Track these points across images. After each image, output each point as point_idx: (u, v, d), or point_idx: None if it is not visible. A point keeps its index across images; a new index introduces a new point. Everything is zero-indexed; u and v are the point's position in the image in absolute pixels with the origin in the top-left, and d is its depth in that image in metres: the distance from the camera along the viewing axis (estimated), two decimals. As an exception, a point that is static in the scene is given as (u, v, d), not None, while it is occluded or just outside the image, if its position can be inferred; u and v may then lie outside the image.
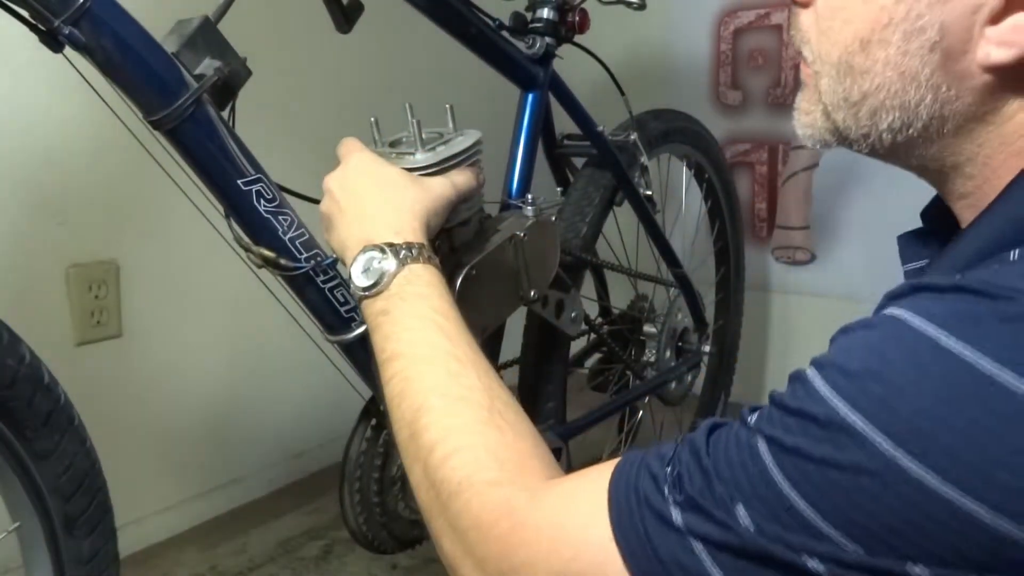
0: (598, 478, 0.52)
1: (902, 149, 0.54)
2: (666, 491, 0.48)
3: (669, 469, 0.49)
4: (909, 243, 0.65)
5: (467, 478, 0.57)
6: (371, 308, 0.69)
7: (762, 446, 0.45)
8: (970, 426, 0.39)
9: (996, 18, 0.47)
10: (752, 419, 0.48)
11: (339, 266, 0.90)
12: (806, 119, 0.58)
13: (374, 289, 0.69)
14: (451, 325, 0.66)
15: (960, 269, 0.49)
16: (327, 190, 0.77)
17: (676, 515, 0.47)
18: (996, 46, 0.47)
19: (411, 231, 0.72)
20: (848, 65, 0.52)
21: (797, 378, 0.47)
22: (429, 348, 0.65)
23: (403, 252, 0.69)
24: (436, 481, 0.58)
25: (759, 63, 2.04)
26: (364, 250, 0.70)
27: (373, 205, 0.74)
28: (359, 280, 0.70)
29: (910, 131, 0.52)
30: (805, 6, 0.56)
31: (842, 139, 0.56)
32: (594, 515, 0.50)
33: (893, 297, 0.46)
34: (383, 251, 0.69)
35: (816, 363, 0.46)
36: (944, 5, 0.48)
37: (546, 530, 0.52)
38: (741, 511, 0.45)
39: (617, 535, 0.49)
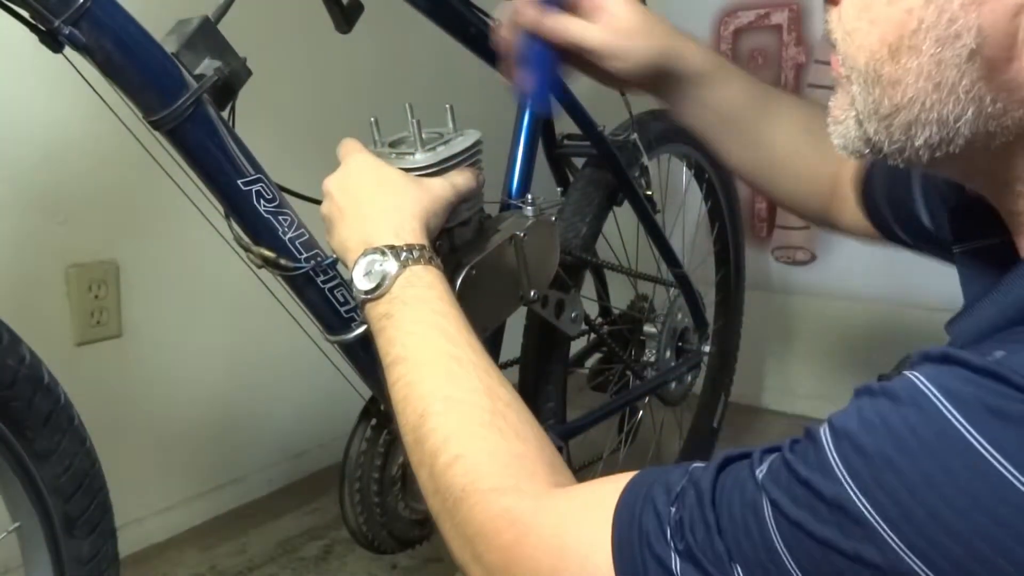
0: (605, 499, 0.51)
1: (943, 164, 0.50)
2: (668, 534, 0.47)
3: (673, 510, 0.48)
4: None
5: (470, 485, 0.56)
6: (374, 311, 0.69)
7: (767, 508, 0.44)
8: (984, 541, 0.38)
9: None
10: (761, 471, 0.46)
11: (339, 266, 0.90)
12: (839, 128, 0.53)
13: (376, 292, 0.68)
14: (453, 326, 0.66)
15: (1011, 319, 0.46)
16: (327, 192, 0.77)
17: (676, 563, 0.46)
18: None
19: (412, 232, 0.71)
20: (876, 74, 0.47)
21: (811, 438, 0.45)
22: (431, 352, 0.64)
23: (404, 254, 0.69)
24: (440, 488, 0.58)
25: (759, 63, 2.04)
26: (365, 253, 0.70)
27: (374, 207, 0.73)
28: (361, 283, 0.69)
29: (950, 147, 0.47)
30: (830, 1, 0.51)
31: (876, 151, 0.51)
32: (597, 541, 0.50)
33: (927, 358, 0.43)
34: (384, 253, 0.69)
35: (832, 426, 0.44)
36: (980, 7, 0.43)
37: (549, 545, 0.52)
38: (739, 572, 0.44)
39: (617, 567, 0.49)
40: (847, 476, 0.41)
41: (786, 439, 0.47)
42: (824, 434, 0.44)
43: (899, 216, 0.79)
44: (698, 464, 0.51)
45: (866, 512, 0.40)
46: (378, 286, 0.68)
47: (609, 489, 0.52)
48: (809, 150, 0.87)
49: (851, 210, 0.87)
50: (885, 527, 0.39)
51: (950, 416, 0.40)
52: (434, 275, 0.70)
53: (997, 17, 0.43)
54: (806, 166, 0.88)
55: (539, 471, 0.57)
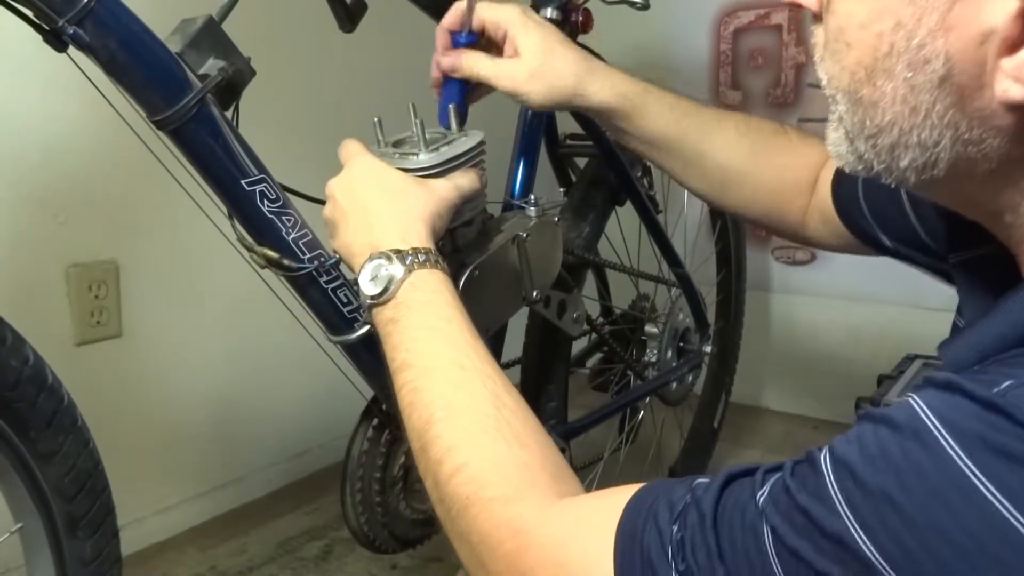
0: (607, 513, 0.51)
1: (930, 188, 0.49)
2: (670, 554, 0.47)
3: (675, 529, 0.47)
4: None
5: (473, 494, 0.56)
6: (380, 316, 0.69)
7: (767, 534, 0.44)
8: None
9: (1012, 47, 0.41)
10: (762, 495, 0.45)
11: (342, 267, 0.90)
12: (834, 136, 0.52)
13: (382, 297, 0.68)
14: (458, 331, 0.66)
15: (1011, 341, 0.45)
16: (331, 195, 0.76)
17: None
18: (1014, 81, 0.41)
19: (417, 236, 0.71)
20: (857, 95, 0.47)
21: (811, 463, 0.44)
22: (435, 358, 0.64)
23: (409, 258, 0.69)
24: (445, 496, 0.58)
25: (759, 63, 2.04)
26: (371, 257, 0.69)
27: (378, 210, 0.73)
28: (367, 288, 0.69)
29: (934, 171, 0.46)
30: (815, 18, 0.51)
31: (868, 168, 0.50)
32: (599, 556, 0.50)
33: (931, 383, 0.42)
34: (389, 258, 0.68)
35: (833, 454, 0.43)
36: (947, 33, 0.42)
37: (551, 558, 0.51)
38: None
39: None
40: (847, 509, 0.41)
41: (788, 460, 0.47)
42: (824, 461, 0.43)
43: (885, 224, 0.78)
44: (702, 480, 0.50)
45: (865, 548, 0.39)
46: (384, 291, 0.68)
47: (612, 503, 0.52)
48: (754, 166, 0.88)
49: (822, 220, 0.86)
50: (885, 565, 0.39)
51: (951, 452, 0.39)
52: (439, 279, 0.69)
53: (964, 44, 0.42)
54: (755, 182, 0.89)
55: (543, 480, 0.57)
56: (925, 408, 0.41)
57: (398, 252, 0.69)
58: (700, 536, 0.46)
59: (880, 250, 0.82)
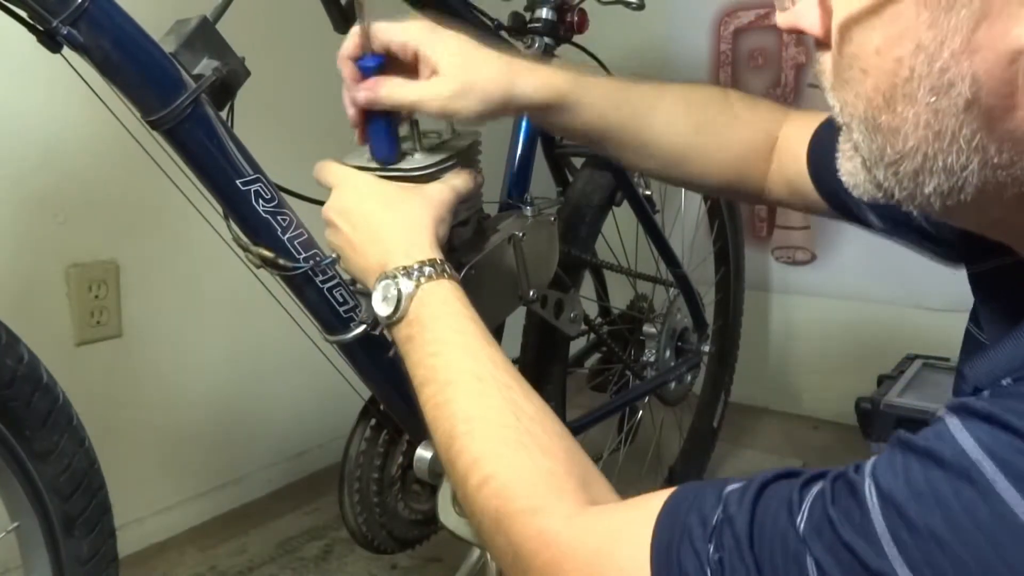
0: (639, 524, 0.50)
1: (956, 213, 0.47)
2: (708, 575, 0.46)
3: (712, 549, 0.46)
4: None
5: (502, 507, 0.56)
6: (397, 336, 0.69)
7: (811, 567, 0.43)
8: None
9: None
10: (801, 520, 0.44)
11: (338, 266, 0.90)
12: (849, 166, 0.50)
13: (394, 317, 0.68)
14: (473, 342, 0.66)
15: None
16: (329, 221, 0.75)
17: None
18: None
19: (422, 247, 0.70)
20: (875, 122, 0.45)
21: (853, 493, 0.43)
22: (453, 371, 0.64)
23: (416, 273, 0.68)
24: (476, 510, 0.58)
25: (759, 63, 2.04)
26: (381, 278, 0.69)
27: (380, 228, 0.72)
28: (380, 309, 0.69)
29: (961, 196, 0.44)
30: (820, 45, 0.48)
31: (888, 196, 0.48)
32: (635, 570, 0.49)
33: (967, 410, 0.41)
34: (396, 277, 0.68)
35: (878, 487, 0.42)
36: (973, 56, 0.40)
37: (586, 569, 0.51)
38: None
39: None
40: (895, 550, 0.40)
41: (824, 477, 0.45)
42: (869, 494, 0.42)
43: (876, 207, 0.74)
44: (733, 486, 0.49)
45: None
46: (395, 310, 0.67)
47: (642, 513, 0.51)
48: (700, 143, 0.85)
49: (788, 190, 0.84)
50: None
51: (1005, 495, 0.38)
52: (448, 289, 0.68)
53: (991, 65, 0.40)
54: (703, 159, 0.85)
55: (570, 487, 0.56)
56: (973, 443, 0.40)
57: (405, 269, 0.68)
58: (739, 559, 0.45)
59: (865, 227, 0.78)
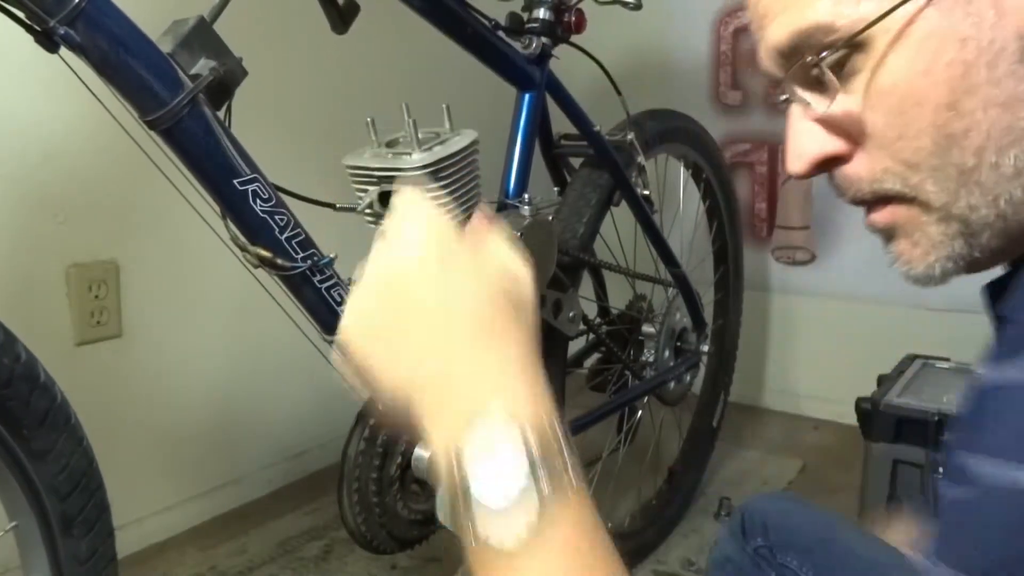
0: None
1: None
2: None
3: None
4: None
5: None
6: (479, 544, 0.42)
7: None
8: None
9: None
10: None
11: (336, 265, 0.90)
12: (934, 257, 0.47)
13: (504, 527, 0.41)
14: None
15: None
16: (367, 283, 0.49)
17: None
18: None
19: (530, 391, 0.45)
20: (948, 137, 0.44)
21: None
22: None
23: (539, 465, 0.42)
24: None
25: (759, 63, 2.04)
26: (461, 447, 0.43)
27: (456, 335, 0.46)
28: (450, 515, 0.43)
29: None
30: (849, 158, 0.48)
31: (970, 244, 0.46)
32: None
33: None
34: (506, 457, 0.42)
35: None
36: (1009, 17, 0.42)
37: None
38: None
39: None
40: None
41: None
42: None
43: None
44: None
45: None
46: (503, 515, 0.41)
47: None
48: None
49: None
50: None
51: None
52: (581, 503, 0.43)
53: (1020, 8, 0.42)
54: None
55: None
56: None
57: (513, 439, 0.42)
58: None
59: None
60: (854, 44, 0.44)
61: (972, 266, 0.48)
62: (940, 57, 0.43)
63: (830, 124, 0.47)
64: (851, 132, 0.47)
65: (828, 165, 0.48)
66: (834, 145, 0.47)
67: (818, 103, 0.47)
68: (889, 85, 0.44)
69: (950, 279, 0.48)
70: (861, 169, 0.47)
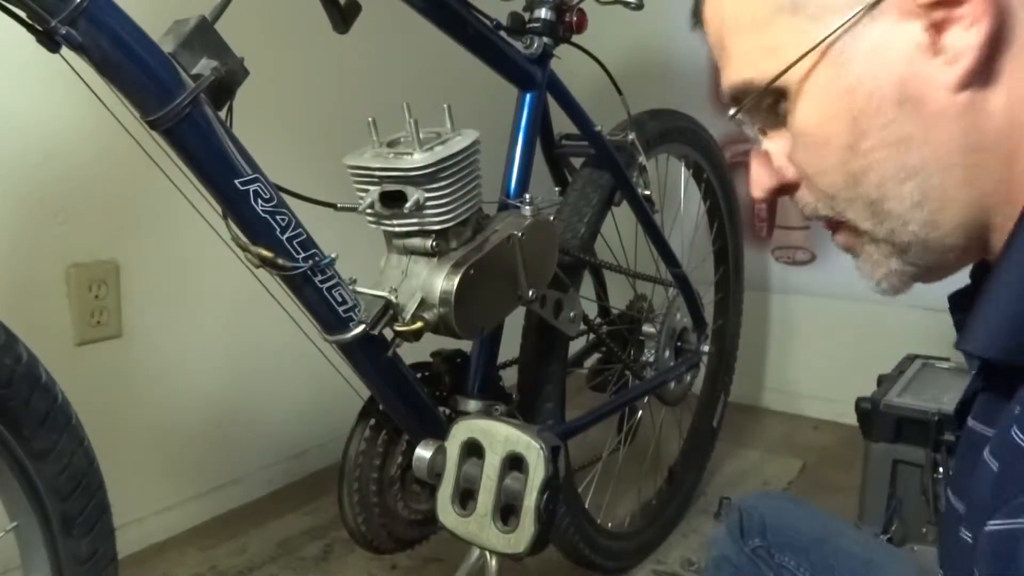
0: None
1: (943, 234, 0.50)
2: None
3: None
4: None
5: None
6: None
7: None
8: None
9: (933, 48, 0.47)
10: None
11: (337, 266, 0.90)
12: (880, 273, 0.54)
13: None
14: None
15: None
16: None
17: None
18: (947, 65, 0.46)
19: None
20: (851, 174, 0.50)
21: None
22: None
23: None
24: None
25: (759, 63, 2.04)
26: None
27: None
28: None
29: (932, 202, 0.49)
30: (796, 187, 0.55)
31: (904, 260, 0.52)
32: None
33: None
34: None
35: None
36: (880, 56, 0.47)
37: None
38: None
39: None
40: None
41: None
42: None
43: None
44: None
45: None
46: None
47: None
48: None
49: None
50: None
51: None
52: None
53: (899, 57, 0.47)
54: None
55: None
56: None
57: None
58: None
59: None
60: (777, 92, 0.51)
61: (923, 277, 0.54)
62: (834, 105, 0.50)
63: (776, 158, 0.55)
64: (793, 165, 0.54)
65: (783, 191, 0.56)
66: (783, 176, 0.55)
67: (763, 140, 0.56)
68: (802, 128, 0.51)
69: (909, 287, 0.54)
70: (806, 195, 0.55)
